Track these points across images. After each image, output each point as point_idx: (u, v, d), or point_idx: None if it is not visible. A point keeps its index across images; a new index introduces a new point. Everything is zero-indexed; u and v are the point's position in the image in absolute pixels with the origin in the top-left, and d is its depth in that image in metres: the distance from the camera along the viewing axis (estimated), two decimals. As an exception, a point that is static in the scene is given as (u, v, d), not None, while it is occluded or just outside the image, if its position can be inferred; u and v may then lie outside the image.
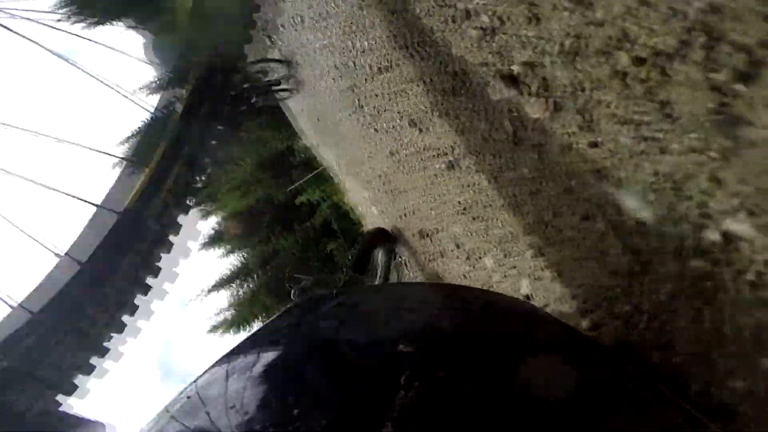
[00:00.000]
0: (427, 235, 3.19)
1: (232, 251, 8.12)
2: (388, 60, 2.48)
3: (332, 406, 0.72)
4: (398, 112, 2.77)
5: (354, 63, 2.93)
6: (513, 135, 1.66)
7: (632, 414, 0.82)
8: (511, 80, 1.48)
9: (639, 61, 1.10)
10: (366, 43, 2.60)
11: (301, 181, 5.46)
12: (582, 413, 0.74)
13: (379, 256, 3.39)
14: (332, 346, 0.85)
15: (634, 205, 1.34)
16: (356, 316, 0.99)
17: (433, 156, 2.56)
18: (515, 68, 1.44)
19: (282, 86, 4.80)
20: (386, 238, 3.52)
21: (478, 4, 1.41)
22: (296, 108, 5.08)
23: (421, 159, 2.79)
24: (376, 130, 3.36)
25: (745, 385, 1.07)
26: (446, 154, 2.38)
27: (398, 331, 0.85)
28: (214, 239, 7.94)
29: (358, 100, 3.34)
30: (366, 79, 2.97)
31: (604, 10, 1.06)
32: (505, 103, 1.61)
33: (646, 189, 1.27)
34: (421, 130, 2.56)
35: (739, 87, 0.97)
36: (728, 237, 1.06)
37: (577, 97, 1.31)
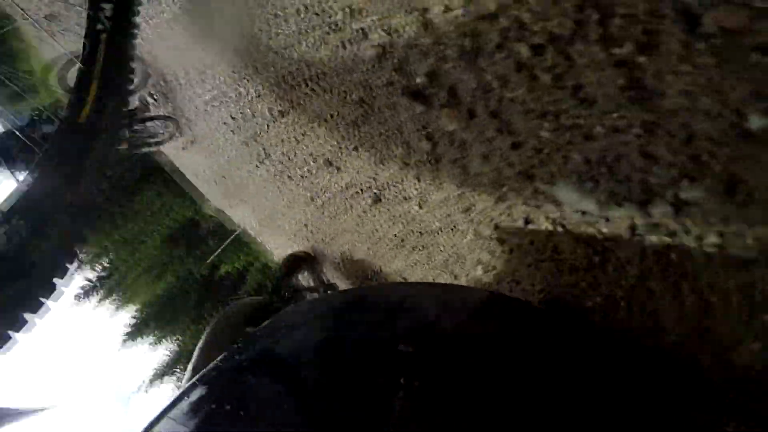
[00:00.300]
0: (370, 277, 2.94)
1: (160, 340, 7.21)
2: (286, 102, 2.29)
3: (333, 406, 0.69)
4: (310, 155, 2.57)
5: (249, 111, 2.69)
6: (431, 153, 1.55)
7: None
8: (418, 95, 1.38)
9: (539, 50, 1.05)
10: (257, 89, 2.39)
11: (217, 251, 4.89)
12: (590, 413, 0.71)
13: (305, 280, 3.31)
14: (332, 347, 0.84)
15: (572, 197, 1.27)
16: (356, 316, 0.95)
17: (356, 193, 2.37)
18: (419, 81, 1.33)
19: (150, 115, 3.67)
20: (303, 260, 3.39)
21: (370, 21, 1.30)
22: (194, 170, 4.60)
23: (345, 199, 2.59)
24: (289, 177, 3.11)
25: (762, 345, 0.98)
26: (369, 188, 2.22)
27: (398, 331, 0.84)
28: (135, 332, 7.03)
29: (263, 149, 3.08)
30: (267, 126, 2.74)
31: (495, 1, 0.99)
32: (417, 121, 1.49)
33: (581, 179, 1.21)
34: (338, 169, 2.38)
35: (642, 59, 0.95)
36: (678, 206, 1.00)
37: (488, 100, 1.23)
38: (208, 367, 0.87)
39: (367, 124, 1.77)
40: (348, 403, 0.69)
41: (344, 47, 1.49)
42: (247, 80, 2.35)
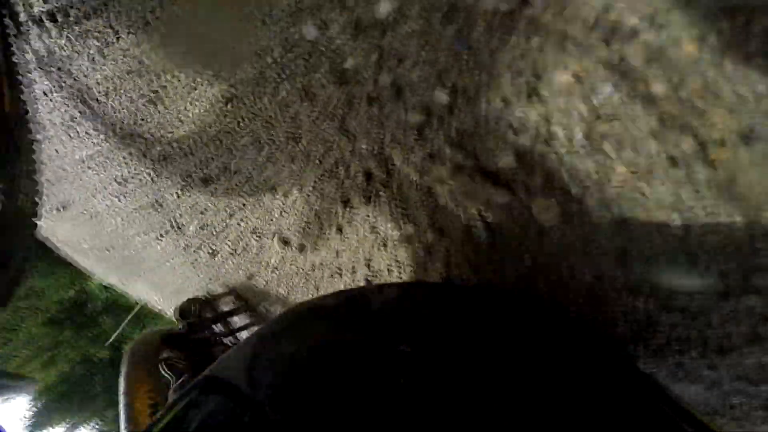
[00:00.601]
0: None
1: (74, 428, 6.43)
2: (216, 167, 1.59)
3: (331, 407, 0.63)
4: (252, 231, 1.87)
5: (148, 176, 1.84)
6: (489, 247, 1.15)
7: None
8: (491, 178, 0.97)
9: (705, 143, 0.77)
10: (171, 148, 1.62)
11: (119, 329, 3.89)
12: (595, 422, 0.62)
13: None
14: (332, 347, 0.76)
15: (671, 277, 1.05)
16: (353, 317, 0.87)
17: (332, 275, 1.80)
18: (501, 164, 0.92)
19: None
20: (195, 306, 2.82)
21: (417, 75, 0.83)
22: (68, 242, 3.26)
23: (308, 279, 1.98)
24: (211, 253, 2.31)
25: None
26: (354, 271, 1.68)
27: (398, 331, 0.77)
28: (38, 423, 6.10)
29: (172, 219, 2.21)
30: (177, 194, 1.93)
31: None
32: (479, 209, 1.08)
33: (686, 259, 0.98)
34: (301, 249, 1.77)
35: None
36: None
37: (603, 191, 0.90)
38: (190, 385, 0.76)
39: (374, 205, 1.26)
40: (346, 404, 0.63)
41: (365, 104, 0.98)
42: (152, 136, 1.56)
